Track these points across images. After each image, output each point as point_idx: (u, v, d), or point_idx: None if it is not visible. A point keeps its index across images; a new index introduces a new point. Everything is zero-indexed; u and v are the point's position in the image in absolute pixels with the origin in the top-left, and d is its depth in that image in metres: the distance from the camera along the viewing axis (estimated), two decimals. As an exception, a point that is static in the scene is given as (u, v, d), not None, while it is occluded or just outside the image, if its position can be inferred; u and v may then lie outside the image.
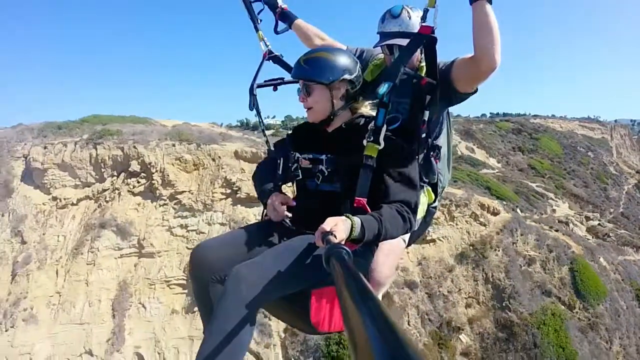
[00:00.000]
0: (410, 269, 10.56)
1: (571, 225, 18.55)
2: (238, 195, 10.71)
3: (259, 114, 1.82)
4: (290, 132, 1.76)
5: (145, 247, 10.29)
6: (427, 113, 1.54)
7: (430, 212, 1.88)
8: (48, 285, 10.71)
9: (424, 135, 1.59)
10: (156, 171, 10.50)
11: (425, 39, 1.39)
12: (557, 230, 14.96)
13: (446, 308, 10.20)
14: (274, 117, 48.21)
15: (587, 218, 20.30)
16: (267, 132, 1.89)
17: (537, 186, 22.57)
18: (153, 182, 10.48)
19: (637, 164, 40.24)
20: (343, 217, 1.22)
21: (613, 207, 26.67)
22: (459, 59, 1.58)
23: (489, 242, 11.92)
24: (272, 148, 1.72)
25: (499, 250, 11.86)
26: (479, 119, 35.06)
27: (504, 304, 10.66)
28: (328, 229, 1.14)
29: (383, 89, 1.38)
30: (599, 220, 20.78)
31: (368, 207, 1.36)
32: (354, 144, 1.44)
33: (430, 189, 1.78)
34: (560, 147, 30.36)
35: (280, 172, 1.58)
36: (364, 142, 1.38)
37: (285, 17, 2.01)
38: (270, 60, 1.95)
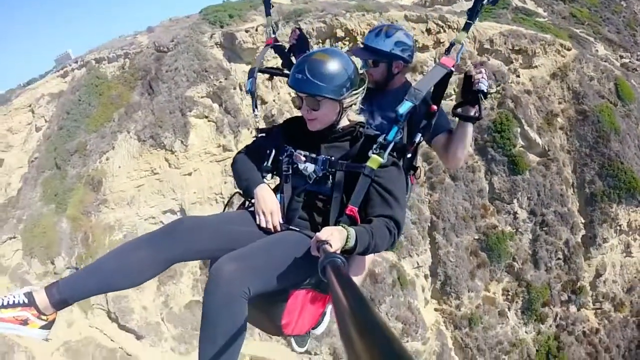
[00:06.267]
0: (526, 82, 20.89)
1: (609, 61, 29.65)
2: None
3: (253, 96, 2.36)
4: (280, 123, 2.21)
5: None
6: (419, 135, 2.11)
7: None
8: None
9: (409, 155, 2.15)
10: (358, 34, 18.78)
11: (445, 70, 1.98)
12: (605, 61, 25.85)
13: (547, 105, 20.94)
14: None
15: (621, 57, 31.61)
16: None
17: (580, 32, 33.02)
18: (358, 43, 18.78)
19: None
20: (339, 227, 1.58)
21: None
22: (442, 137, 2.37)
23: (568, 67, 22.30)
24: (262, 134, 2.16)
25: (574, 72, 22.35)
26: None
27: (579, 101, 21.59)
28: (324, 238, 1.44)
29: (403, 108, 1.87)
30: (630, 58, 32.27)
31: (358, 217, 1.75)
32: (351, 151, 1.88)
33: None
34: (597, -4, 40.37)
35: (269, 163, 1.99)
36: (369, 153, 1.81)
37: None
38: (273, 49, 2.53)
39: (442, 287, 17.65)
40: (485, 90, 2.08)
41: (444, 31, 19.30)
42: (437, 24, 19.55)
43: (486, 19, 22.72)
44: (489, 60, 20.79)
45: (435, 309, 17.80)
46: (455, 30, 19.34)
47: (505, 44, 20.69)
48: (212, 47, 18.79)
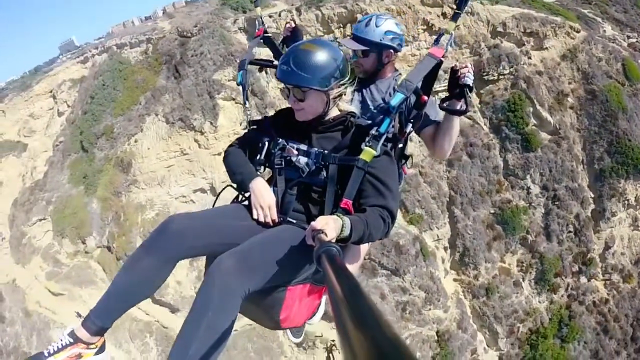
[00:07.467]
0: (537, 64, 22.52)
1: (617, 41, 31.39)
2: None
3: (244, 90, 2.44)
4: (271, 115, 2.28)
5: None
6: (409, 125, 2.22)
7: None
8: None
9: (400, 145, 2.29)
10: (376, 18, 20.14)
11: (435, 61, 2.08)
12: (613, 41, 27.57)
13: (557, 85, 22.61)
14: None
15: (628, 37, 33.38)
16: None
17: (588, 12, 34.71)
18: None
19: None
20: (334, 217, 1.63)
21: (645, 31, 40.35)
22: (430, 128, 2.47)
23: (577, 47, 23.96)
24: (253, 127, 2.22)
25: (583, 53, 24.01)
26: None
27: (588, 81, 23.30)
28: (319, 227, 1.49)
29: (395, 100, 1.96)
30: (637, 38, 34.05)
31: (352, 208, 1.83)
32: (343, 141, 1.95)
33: None
34: (604, -23, 41.97)
35: (262, 156, 2.05)
36: (362, 145, 1.86)
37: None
38: (262, 40, 2.63)
39: (460, 259, 19.40)
40: (471, 85, 2.19)
41: (459, 14, 20.80)
42: (452, 8, 20.96)
43: (498, 3, 24.26)
44: (501, 42, 22.36)
45: (455, 279, 19.56)
46: (469, 14, 20.88)
47: (517, 27, 22.26)
48: (235, 32, 20.13)
